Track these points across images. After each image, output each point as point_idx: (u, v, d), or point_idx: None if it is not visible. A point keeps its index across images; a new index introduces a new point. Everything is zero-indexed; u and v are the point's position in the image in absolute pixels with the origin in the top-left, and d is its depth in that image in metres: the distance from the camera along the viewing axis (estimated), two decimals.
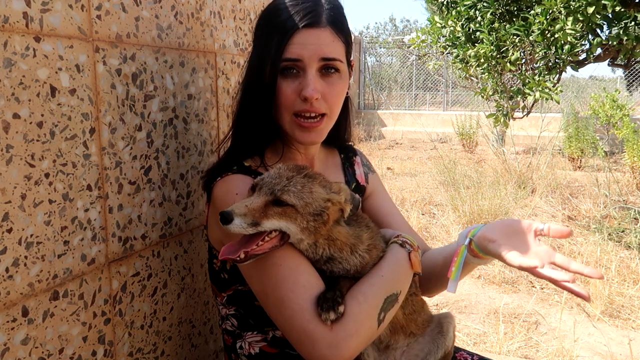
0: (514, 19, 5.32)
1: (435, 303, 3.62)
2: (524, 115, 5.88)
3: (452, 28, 5.70)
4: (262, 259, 1.04)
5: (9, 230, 0.94)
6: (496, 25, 5.27)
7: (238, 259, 0.99)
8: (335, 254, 1.11)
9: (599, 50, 5.23)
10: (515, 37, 5.09)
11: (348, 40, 1.23)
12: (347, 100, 1.33)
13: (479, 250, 1.15)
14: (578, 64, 5.42)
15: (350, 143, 1.48)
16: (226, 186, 1.15)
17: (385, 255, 1.17)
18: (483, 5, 5.30)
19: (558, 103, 5.29)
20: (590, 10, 4.44)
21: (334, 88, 1.19)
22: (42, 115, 1.00)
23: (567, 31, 4.62)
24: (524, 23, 4.99)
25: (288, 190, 1.01)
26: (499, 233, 1.11)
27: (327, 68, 1.17)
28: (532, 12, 4.94)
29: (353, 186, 1.41)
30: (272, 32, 1.16)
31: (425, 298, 1.36)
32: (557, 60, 5.04)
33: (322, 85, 1.17)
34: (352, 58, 1.30)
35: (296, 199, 1.01)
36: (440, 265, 1.28)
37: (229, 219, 0.95)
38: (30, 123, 0.97)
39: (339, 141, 1.43)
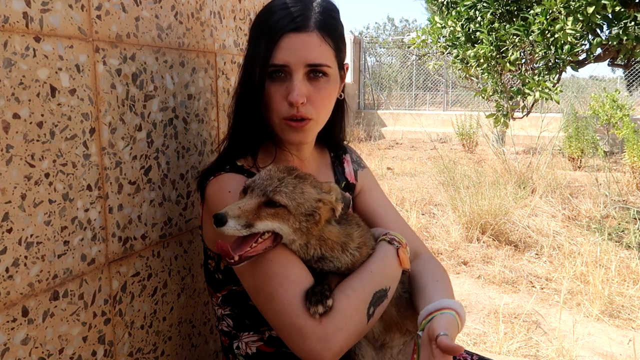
0: (514, 19, 5.32)
1: None
2: (524, 115, 5.89)
3: (452, 28, 5.71)
4: None
5: (9, 230, 0.94)
6: (496, 25, 5.28)
7: (232, 261, 0.99)
8: (327, 254, 1.12)
9: (599, 50, 5.23)
10: (515, 37, 5.09)
11: (339, 45, 1.22)
12: (341, 102, 1.33)
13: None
14: (578, 64, 5.42)
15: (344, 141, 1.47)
16: (219, 185, 1.16)
17: (374, 252, 1.18)
18: (483, 6, 5.30)
19: (558, 103, 5.30)
20: (590, 10, 4.45)
21: (321, 92, 1.19)
22: (42, 115, 1.00)
23: (567, 31, 4.62)
24: (523, 23, 5.00)
25: (280, 191, 1.02)
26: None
27: (315, 72, 1.17)
28: (532, 12, 4.95)
29: (343, 184, 1.40)
30: (261, 34, 1.17)
31: None
32: (557, 60, 5.04)
33: (309, 89, 1.17)
34: (345, 62, 1.29)
35: (288, 200, 1.02)
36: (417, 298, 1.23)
37: (222, 221, 0.96)
38: (30, 123, 0.97)
39: (334, 140, 1.42)
